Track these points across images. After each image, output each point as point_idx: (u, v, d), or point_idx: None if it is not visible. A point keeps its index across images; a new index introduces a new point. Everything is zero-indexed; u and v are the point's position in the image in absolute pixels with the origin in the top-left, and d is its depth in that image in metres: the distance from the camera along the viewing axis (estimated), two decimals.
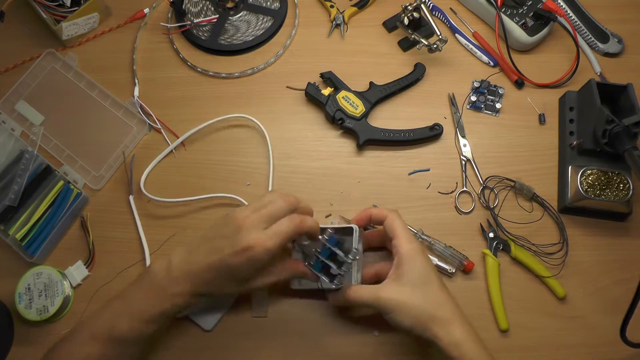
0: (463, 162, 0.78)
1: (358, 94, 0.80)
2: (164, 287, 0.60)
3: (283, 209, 0.61)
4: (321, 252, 0.64)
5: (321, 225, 0.64)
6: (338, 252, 0.63)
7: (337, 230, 0.65)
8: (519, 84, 0.82)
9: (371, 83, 0.81)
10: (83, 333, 0.61)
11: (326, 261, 0.63)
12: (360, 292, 0.63)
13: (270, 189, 0.77)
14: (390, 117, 0.81)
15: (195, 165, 0.79)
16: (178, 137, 0.80)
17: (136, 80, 0.83)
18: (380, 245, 0.70)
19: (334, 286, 0.63)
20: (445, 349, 0.58)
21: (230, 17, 0.87)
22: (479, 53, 0.84)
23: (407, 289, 0.61)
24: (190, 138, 0.79)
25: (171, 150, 0.79)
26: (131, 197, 0.76)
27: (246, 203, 0.75)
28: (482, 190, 0.76)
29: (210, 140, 0.80)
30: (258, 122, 0.79)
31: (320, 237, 0.64)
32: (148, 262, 0.73)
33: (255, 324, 0.70)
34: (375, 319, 0.67)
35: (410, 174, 0.78)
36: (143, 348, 0.64)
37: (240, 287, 0.62)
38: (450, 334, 0.58)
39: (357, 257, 0.64)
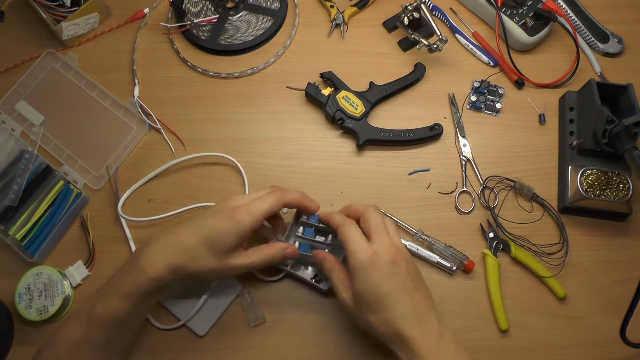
0: (463, 162, 0.78)
1: (358, 94, 0.80)
2: (139, 260, 0.59)
3: (272, 200, 0.63)
4: (304, 232, 0.66)
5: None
6: (321, 226, 0.66)
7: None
8: (519, 84, 0.82)
9: (371, 83, 0.81)
10: (69, 319, 0.61)
11: (310, 239, 0.66)
12: (333, 274, 0.62)
13: None
14: (390, 117, 0.81)
15: (197, 167, 0.79)
16: (178, 137, 0.80)
17: (136, 80, 0.83)
18: None
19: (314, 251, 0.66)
20: None
21: (230, 17, 0.87)
22: (479, 53, 0.84)
23: (355, 305, 0.59)
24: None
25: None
26: (119, 207, 0.75)
27: None
28: (482, 190, 0.76)
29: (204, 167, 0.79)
30: (235, 161, 0.78)
31: (304, 216, 0.67)
32: None
33: (252, 328, 0.70)
34: None
35: (410, 174, 0.78)
36: (124, 331, 0.62)
37: (218, 261, 0.60)
38: (409, 353, 0.55)
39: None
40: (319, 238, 0.67)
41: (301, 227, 0.68)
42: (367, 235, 0.61)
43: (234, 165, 0.78)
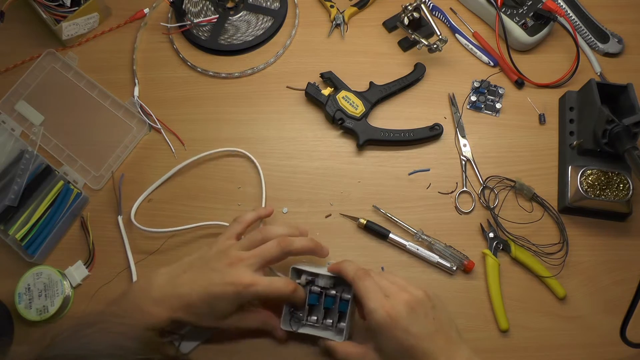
0: (463, 162, 0.78)
1: (358, 94, 0.80)
2: (141, 306, 0.60)
3: (277, 253, 0.63)
4: (309, 298, 0.64)
5: (314, 270, 0.65)
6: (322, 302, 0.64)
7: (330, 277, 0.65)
8: (519, 84, 0.82)
9: (371, 83, 0.81)
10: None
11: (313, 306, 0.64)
12: (349, 350, 0.61)
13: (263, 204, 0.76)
14: (390, 117, 0.81)
15: (197, 167, 0.79)
16: (178, 137, 0.80)
17: (136, 80, 0.83)
18: None
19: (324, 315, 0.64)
20: None
21: (230, 17, 0.87)
22: (479, 53, 0.84)
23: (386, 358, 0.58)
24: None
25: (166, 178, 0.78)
26: (119, 218, 0.75)
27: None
28: (482, 190, 0.76)
29: (205, 167, 0.79)
30: (251, 155, 0.78)
31: (304, 287, 0.64)
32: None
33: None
34: None
35: (410, 174, 0.78)
36: None
37: (216, 322, 0.62)
38: None
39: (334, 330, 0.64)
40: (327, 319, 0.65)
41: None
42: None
43: (235, 166, 0.78)
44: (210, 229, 0.75)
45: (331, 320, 0.64)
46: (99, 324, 0.55)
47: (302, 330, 0.65)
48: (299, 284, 0.64)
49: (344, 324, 0.63)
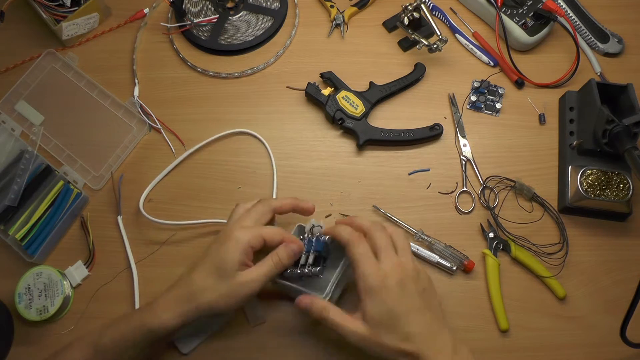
0: (463, 162, 0.78)
1: (358, 94, 0.80)
2: (149, 303, 0.62)
3: (263, 209, 0.64)
4: (306, 245, 0.64)
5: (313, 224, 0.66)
6: (309, 258, 0.63)
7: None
8: (519, 84, 0.82)
9: (371, 83, 0.81)
10: (76, 343, 0.62)
11: (306, 257, 0.64)
12: (329, 314, 0.60)
13: (274, 191, 0.77)
14: (390, 117, 0.81)
15: (197, 167, 0.79)
16: (178, 137, 0.80)
17: (136, 80, 0.83)
18: None
19: (312, 271, 0.63)
20: None
21: (230, 17, 0.87)
22: (479, 53, 0.84)
23: (370, 331, 0.58)
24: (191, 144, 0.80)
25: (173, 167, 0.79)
26: (119, 218, 0.75)
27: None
28: (482, 190, 0.76)
29: (211, 149, 0.80)
30: (260, 136, 0.79)
31: (306, 234, 0.65)
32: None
33: (252, 328, 0.70)
34: None
35: (410, 174, 0.78)
36: None
37: (227, 284, 0.60)
38: None
39: (310, 274, 0.63)
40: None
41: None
42: (374, 254, 0.60)
43: (235, 167, 0.78)
44: (214, 226, 0.75)
45: (319, 268, 0.63)
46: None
47: (289, 282, 0.65)
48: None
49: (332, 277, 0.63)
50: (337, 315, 0.59)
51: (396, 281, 0.58)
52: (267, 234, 0.62)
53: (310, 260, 0.63)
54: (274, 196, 0.76)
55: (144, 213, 0.73)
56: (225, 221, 0.73)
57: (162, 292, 0.62)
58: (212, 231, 0.75)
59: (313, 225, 0.66)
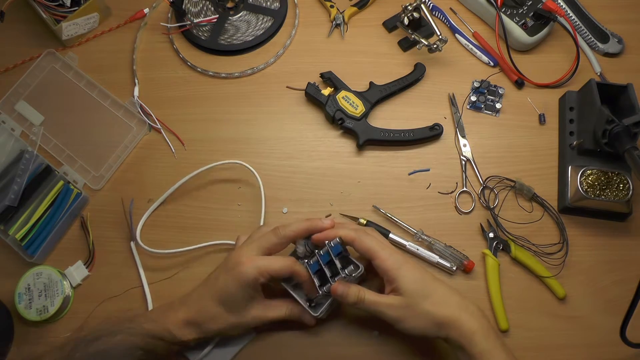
0: (463, 162, 0.78)
1: (358, 94, 0.80)
2: (162, 309, 0.65)
3: (274, 239, 0.64)
4: (322, 256, 0.63)
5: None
6: (337, 262, 0.63)
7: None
8: (519, 84, 0.82)
9: (371, 83, 0.81)
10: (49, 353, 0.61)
11: (323, 266, 0.63)
12: (365, 295, 0.62)
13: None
14: (390, 117, 0.81)
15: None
16: (178, 137, 0.80)
17: (136, 80, 0.83)
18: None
19: (320, 292, 0.63)
20: (459, 342, 0.59)
21: (230, 17, 0.87)
22: (479, 53, 0.84)
23: (408, 301, 0.60)
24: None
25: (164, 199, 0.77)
26: (132, 244, 0.74)
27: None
28: (482, 190, 0.76)
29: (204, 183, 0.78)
30: (252, 169, 0.76)
31: (326, 242, 0.64)
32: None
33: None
34: (376, 319, 0.67)
35: (410, 174, 0.78)
36: None
37: (236, 316, 0.63)
38: (460, 329, 0.59)
39: (354, 275, 0.62)
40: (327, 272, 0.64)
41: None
42: None
43: (234, 169, 0.78)
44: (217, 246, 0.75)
45: (351, 265, 0.63)
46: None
47: (323, 309, 0.66)
48: (304, 255, 0.66)
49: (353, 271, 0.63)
50: (373, 295, 0.62)
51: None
52: (275, 271, 0.62)
53: (338, 264, 0.63)
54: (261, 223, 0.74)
55: (141, 244, 0.73)
56: (228, 242, 0.73)
57: (172, 305, 0.64)
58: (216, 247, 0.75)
59: (307, 249, 0.66)
